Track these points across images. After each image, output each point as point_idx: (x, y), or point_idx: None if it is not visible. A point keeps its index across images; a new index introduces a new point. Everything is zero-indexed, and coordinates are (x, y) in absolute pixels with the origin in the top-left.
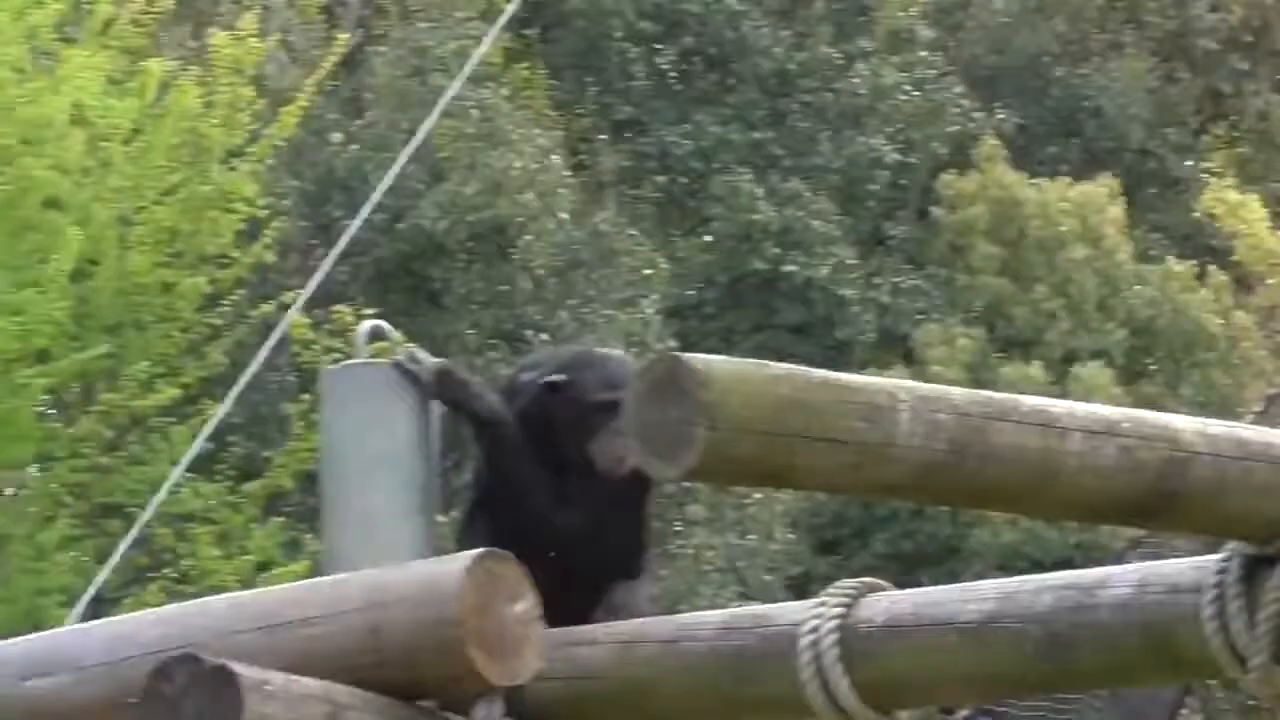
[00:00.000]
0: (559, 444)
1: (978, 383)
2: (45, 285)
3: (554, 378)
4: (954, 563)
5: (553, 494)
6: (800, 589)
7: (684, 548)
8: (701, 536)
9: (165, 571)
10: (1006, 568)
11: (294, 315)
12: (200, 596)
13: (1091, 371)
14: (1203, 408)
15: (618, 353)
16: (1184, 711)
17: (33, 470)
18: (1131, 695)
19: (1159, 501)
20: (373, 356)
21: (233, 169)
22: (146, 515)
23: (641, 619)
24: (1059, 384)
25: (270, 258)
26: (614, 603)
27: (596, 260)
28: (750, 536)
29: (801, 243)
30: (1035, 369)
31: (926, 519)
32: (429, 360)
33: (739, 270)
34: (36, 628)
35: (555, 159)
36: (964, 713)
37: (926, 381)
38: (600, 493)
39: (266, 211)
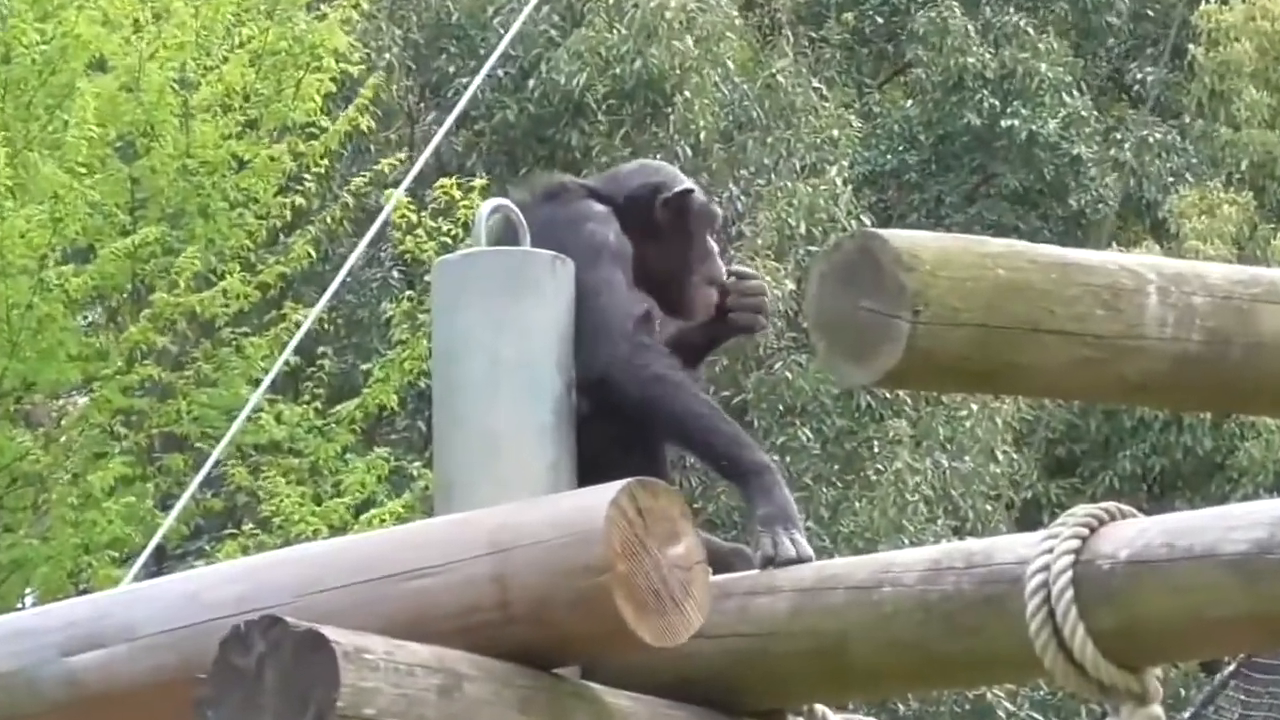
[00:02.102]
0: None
1: (1243, 259)
2: (70, 158)
3: (686, 186)
4: (1217, 483)
5: None
6: (1027, 519)
7: (883, 473)
8: (905, 458)
9: (241, 519)
10: None
11: (399, 196)
12: (283, 547)
13: None
14: None
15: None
16: None
17: (78, 396)
18: None
19: None
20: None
21: (321, 17)
22: (220, 448)
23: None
24: None
25: (367, 125)
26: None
27: (771, 120)
28: (965, 457)
29: (1024, 91)
30: None
31: (1182, 429)
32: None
33: (947, 127)
34: (84, 592)
35: None
36: (1229, 668)
37: (1181, 258)
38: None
39: (362, 68)
